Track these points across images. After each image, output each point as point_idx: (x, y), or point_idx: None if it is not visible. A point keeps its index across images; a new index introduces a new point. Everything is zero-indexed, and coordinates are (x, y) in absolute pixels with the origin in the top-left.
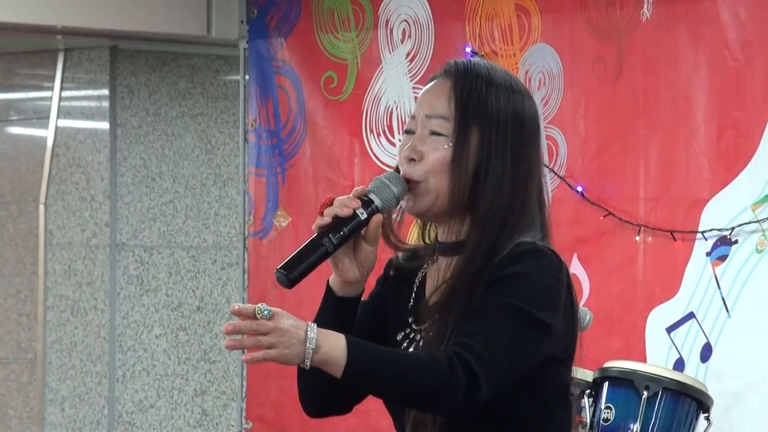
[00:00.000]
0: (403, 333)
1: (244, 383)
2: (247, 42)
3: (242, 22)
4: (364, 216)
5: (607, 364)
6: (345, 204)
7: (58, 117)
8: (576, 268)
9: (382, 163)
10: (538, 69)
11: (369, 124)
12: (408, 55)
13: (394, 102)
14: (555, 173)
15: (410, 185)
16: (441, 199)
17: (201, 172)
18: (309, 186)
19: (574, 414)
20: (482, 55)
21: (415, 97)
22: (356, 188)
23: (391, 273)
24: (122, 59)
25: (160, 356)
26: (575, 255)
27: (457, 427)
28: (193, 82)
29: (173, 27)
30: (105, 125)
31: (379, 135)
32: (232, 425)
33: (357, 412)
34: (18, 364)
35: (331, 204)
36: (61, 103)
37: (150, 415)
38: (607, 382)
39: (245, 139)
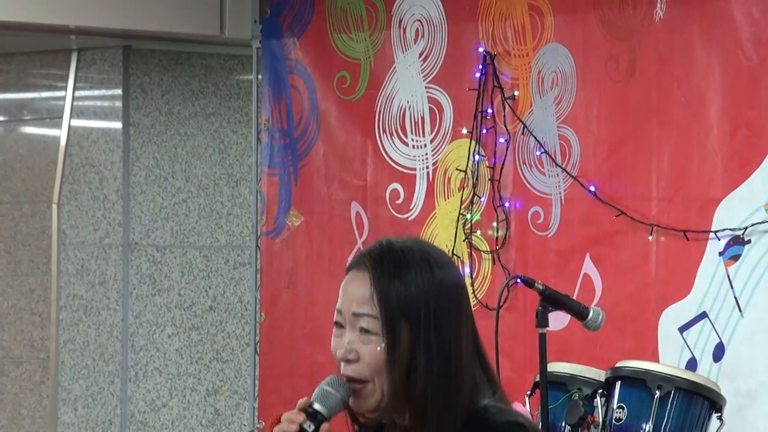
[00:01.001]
0: None
1: (257, 383)
2: (260, 42)
3: (255, 21)
4: (311, 429)
5: (619, 364)
6: (291, 419)
7: (71, 117)
8: (588, 267)
9: (395, 162)
10: (551, 69)
11: (382, 124)
12: (421, 54)
13: (407, 102)
14: (568, 173)
15: (354, 386)
16: (388, 398)
17: (214, 172)
18: (322, 186)
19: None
20: (495, 55)
21: (429, 97)
22: (300, 401)
23: None
24: (135, 59)
25: (172, 356)
26: (588, 254)
27: None
28: (206, 81)
29: (186, 27)
30: (118, 125)
31: (392, 135)
32: (245, 425)
33: None
34: (31, 363)
35: (278, 422)
36: (75, 103)
37: (162, 415)
38: (619, 382)
39: (258, 139)
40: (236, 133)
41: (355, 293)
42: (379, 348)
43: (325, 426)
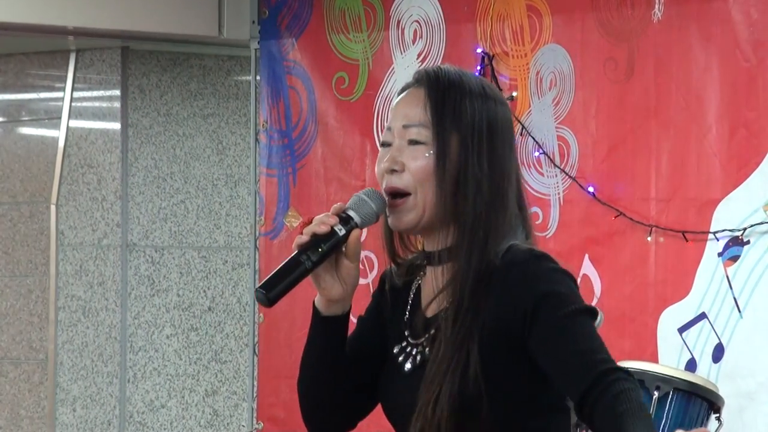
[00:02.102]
0: (399, 347)
1: (255, 383)
2: (259, 42)
3: (254, 22)
4: (342, 232)
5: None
6: (323, 221)
7: (69, 117)
8: (587, 268)
9: None
10: (550, 69)
11: (380, 125)
12: (419, 55)
13: None
14: (566, 174)
15: (393, 202)
16: (428, 212)
17: (212, 173)
18: (320, 186)
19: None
20: (493, 56)
21: None
22: (335, 205)
23: (387, 286)
24: (134, 60)
25: (171, 356)
26: (586, 255)
27: None
28: (204, 82)
29: (185, 28)
30: (116, 126)
31: None
32: (243, 425)
33: (375, 411)
34: (29, 364)
35: (310, 222)
36: (73, 104)
37: (161, 416)
38: None
39: (256, 140)
40: (234, 134)
41: (408, 107)
42: (427, 155)
43: (356, 232)
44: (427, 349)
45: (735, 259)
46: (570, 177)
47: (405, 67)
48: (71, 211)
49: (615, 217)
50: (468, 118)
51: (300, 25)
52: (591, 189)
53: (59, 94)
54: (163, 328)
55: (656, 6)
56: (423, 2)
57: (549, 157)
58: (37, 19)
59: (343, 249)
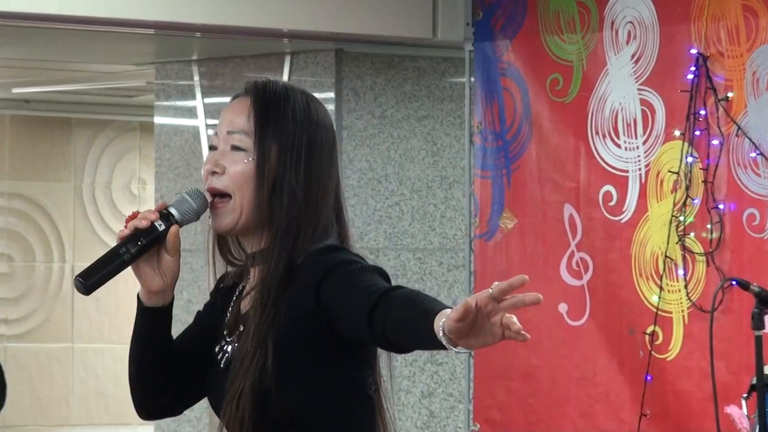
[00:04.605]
0: (218, 346)
1: (471, 385)
2: (473, 44)
3: (468, 24)
4: (162, 228)
5: None
6: (144, 216)
7: None
8: None
9: (607, 164)
10: (766, 70)
11: (594, 126)
12: (633, 56)
13: (620, 104)
14: None
15: (214, 203)
16: (245, 215)
17: (427, 175)
18: (535, 188)
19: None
20: (708, 57)
21: (641, 99)
22: (159, 203)
23: (221, 285)
24: (348, 62)
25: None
26: None
27: (265, 429)
28: (418, 84)
29: (399, 30)
30: None
31: (604, 137)
32: (460, 427)
33: (585, 414)
34: None
35: (135, 217)
36: None
37: None
38: None
39: (471, 142)
40: (449, 136)
41: (234, 114)
42: (246, 161)
43: (174, 228)
44: (236, 345)
45: None
46: None
47: (619, 68)
48: None
49: None
50: (289, 132)
51: (514, 26)
52: None
53: None
54: None
55: None
56: (637, 3)
57: (766, 158)
58: (254, 23)
59: (165, 244)
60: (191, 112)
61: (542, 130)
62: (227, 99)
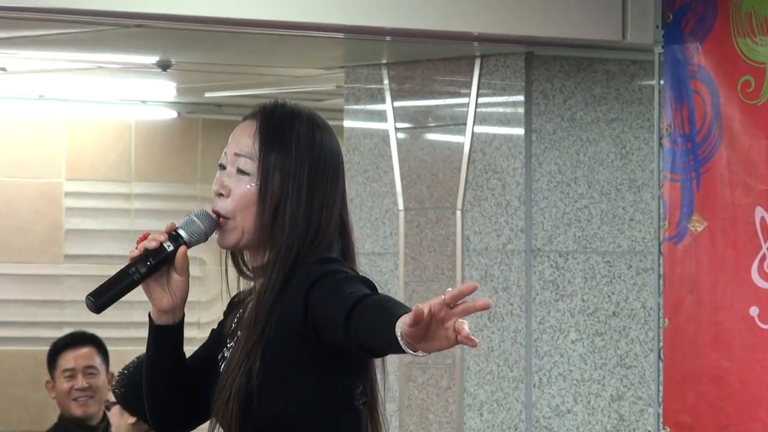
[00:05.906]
0: (221, 354)
1: (660, 388)
2: (662, 47)
3: (657, 27)
4: (170, 248)
5: None
6: (153, 238)
7: (474, 123)
8: None
9: None
10: None
11: None
12: None
13: None
14: None
15: (220, 221)
16: (247, 235)
17: (616, 178)
18: (725, 191)
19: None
20: None
21: None
22: (168, 224)
23: (235, 300)
24: (537, 65)
25: (576, 361)
26: None
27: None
28: (608, 87)
29: (588, 33)
30: (520, 131)
31: None
32: (649, 430)
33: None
34: (437, 368)
35: (145, 239)
36: (478, 110)
37: (567, 420)
38: None
39: (660, 144)
40: (638, 139)
41: (242, 137)
42: (249, 186)
43: (182, 249)
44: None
45: None
46: None
47: None
48: (476, 217)
49: None
50: (292, 158)
51: (704, 29)
52: None
53: (464, 100)
54: (568, 333)
55: None
56: None
57: None
58: (444, 26)
59: (174, 264)
60: (381, 116)
61: (733, 132)
62: (417, 102)
